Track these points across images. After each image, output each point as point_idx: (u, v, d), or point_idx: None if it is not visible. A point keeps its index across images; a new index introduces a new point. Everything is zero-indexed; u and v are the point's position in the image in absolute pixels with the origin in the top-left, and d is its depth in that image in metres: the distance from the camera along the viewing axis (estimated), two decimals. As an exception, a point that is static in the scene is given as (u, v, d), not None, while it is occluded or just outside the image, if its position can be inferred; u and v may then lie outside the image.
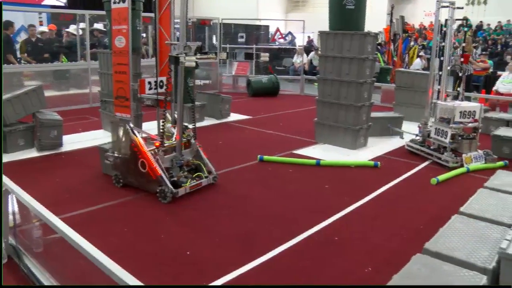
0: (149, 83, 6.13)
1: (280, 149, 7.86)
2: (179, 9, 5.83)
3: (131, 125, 5.76)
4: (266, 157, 7.21)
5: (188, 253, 4.27)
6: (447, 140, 7.24)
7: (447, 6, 7.83)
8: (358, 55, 7.84)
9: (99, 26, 13.60)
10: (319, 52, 10.13)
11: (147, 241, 4.51)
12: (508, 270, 3.05)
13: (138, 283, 2.31)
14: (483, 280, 2.94)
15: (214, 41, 18.20)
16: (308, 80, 15.76)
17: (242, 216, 5.19)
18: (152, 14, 6.56)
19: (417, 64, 16.08)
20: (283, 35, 21.93)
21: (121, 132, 5.82)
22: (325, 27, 8.40)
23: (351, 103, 7.96)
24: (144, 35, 15.00)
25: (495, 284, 3.08)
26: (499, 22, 29.17)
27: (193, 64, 5.37)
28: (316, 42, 21.05)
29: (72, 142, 7.99)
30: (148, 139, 6.00)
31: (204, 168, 6.09)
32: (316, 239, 4.67)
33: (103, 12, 8.45)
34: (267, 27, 25.56)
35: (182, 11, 5.79)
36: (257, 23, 25.81)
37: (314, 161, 7.16)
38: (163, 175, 5.46)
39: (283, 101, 13.82)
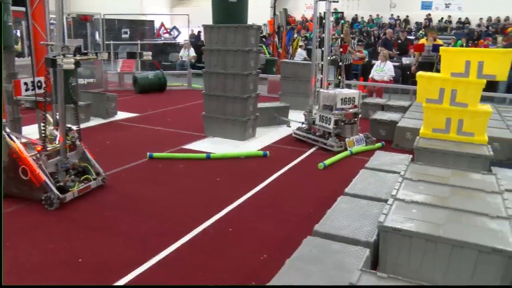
0: (26, 83, 5.76)
1: (170, 145, 7.79)
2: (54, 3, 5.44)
3: (8, 130, 5.38)
4: (155, 154, 7.11)
5: (80, 260, 4.09)
6: (331, 126, 7.64)
7: (324, 0, 8.20)
8: (242, 47, 7.96)
9: None
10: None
11: (35, 253, 4.24)
12: (385, 240, 3.31)
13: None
14: (366, 252, 3.17)
15: (97, 37, 17.48)
16: (195, 74, 15.72)
17: (135, 215, 5.08)
18: (24, 9, 6.12)
19: (300, 54, 16.69)
20: (168, 30, 21.67)
21: (-4, 139, 5.42)
22: (210, 21, 8.42)
23: (238, 95, 8.09)
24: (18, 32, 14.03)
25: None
26: (370, 16, 31.86)
27: (72, 66, 5.07)
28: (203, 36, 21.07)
29: None
30: (28, 144, 5.64)
31: (92, 170, 5.85)
32: (210, 232, 4.72)
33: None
34: (152, 22, 25.04)
35: (58, 5, 5.40)
36: (142, 18, 25.22)
37: (204, 154, 7.20)
38: (47, 181, 5.16)
39: (171, 97, 13.69)
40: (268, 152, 7.36)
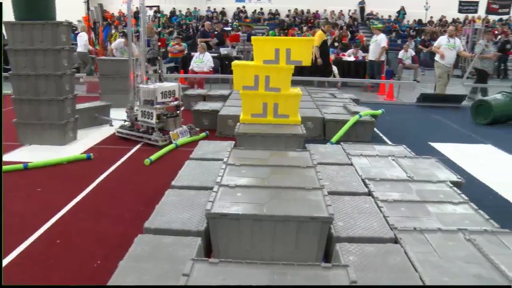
0: None
1: (-21, 159, 6.99)
2: None
3: None
4: (-39, 172, 6.31)
5: None
6: (153, 120, 7.60)
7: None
8: (53, 46, 7.43)
9: None
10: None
11: None
12: (215, 226, 3.41)
13: None
14: (198, 241, 3.22)
15: None
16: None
17: None
18: None
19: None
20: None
21: None
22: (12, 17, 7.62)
23: (53, 98, 7.54)
24: None
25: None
26: (188, 9, 32.54)
27: None
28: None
29: None
30: None
31: None
32: (39, 245, 4.38)
33: None
34: None
35: None
36: None
37: (21, 165, 6.57)
38: None
39: (-24, 105, 12.27)
40: (91, 154, 7.03)
